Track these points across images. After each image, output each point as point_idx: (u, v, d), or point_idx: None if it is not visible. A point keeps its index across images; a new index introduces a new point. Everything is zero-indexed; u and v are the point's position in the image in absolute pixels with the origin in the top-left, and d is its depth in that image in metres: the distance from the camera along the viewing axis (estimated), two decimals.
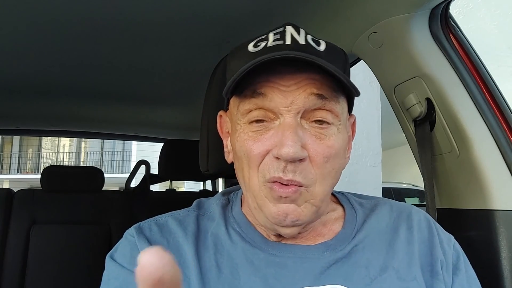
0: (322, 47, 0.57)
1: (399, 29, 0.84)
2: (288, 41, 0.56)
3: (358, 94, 0.55)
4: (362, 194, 0.71)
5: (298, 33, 0.57)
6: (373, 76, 0.99)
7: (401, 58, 0.87)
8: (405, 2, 0.80)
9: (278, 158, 0.53)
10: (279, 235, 0.59)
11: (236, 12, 0.99)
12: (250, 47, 0.58)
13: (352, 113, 0.65)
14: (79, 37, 1.14)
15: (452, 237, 0.65)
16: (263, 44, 0.57)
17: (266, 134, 0.55)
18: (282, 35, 0.57)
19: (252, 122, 0.56)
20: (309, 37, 0.58)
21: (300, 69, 0.53)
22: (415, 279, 0.57)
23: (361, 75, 2.65)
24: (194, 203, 0.67)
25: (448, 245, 0.63)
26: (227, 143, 0.65)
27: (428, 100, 0.86)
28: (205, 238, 0.60)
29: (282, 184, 0.54)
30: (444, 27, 0.86)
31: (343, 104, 0.57)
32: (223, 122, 0.66)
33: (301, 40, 0.56)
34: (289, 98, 0.53)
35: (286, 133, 0.52)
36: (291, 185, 0.53)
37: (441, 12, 0.84)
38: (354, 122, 0.65)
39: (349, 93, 0.57)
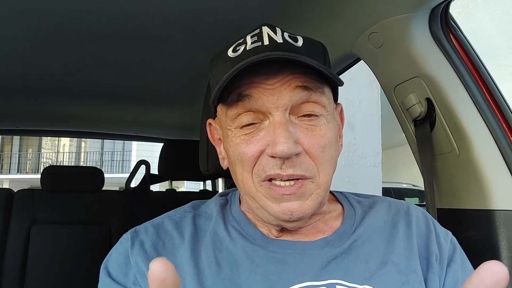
0: (300, 42, 0.58)
1: (399, 29, 0.84)
2: (266, 41, 0.57)
3: (341, 84, 0.56)
4: (361, 193, 0.72)
5: (275, 32, 0.58)
6: (373, 76, 0.99)
7: (401, 58, 0.87)
8: (405, 2, 0.80)
9: (273, 157, 0.53)
10: (279, 231, 0.60)
11: (236, 12, 0.99)
12: (230, 52, 0.58)
13: (340, 103, 0.66)
14: (79, 37, 1.15)
15: (449, 232, 0.66)
16: (242, 47, 0.57)
17: (258, 135, 0.55)
18: (259, 36, 0.57)
19: (243, 126, 0.56)
20: (286, 35, 0.58)
21: (282, 67, 0.54)
22: (414, 272, 0.58)
23: (361, 75, 2.65)
24: (189, 204, 0.67)
25: (445, 239, 0.63)
26: (220, 150, 0.66)
27: (428, 100, 0.86)
28: (203, 236, 0.60)
29: (281, 182, 0.54)
30: (444, 27, 0.86)
31: (328, 95, 0.59)
32: (213, 129, 0.67)
33: (279, 39, 0.57)
34: (275, 95, 0.54)
35: (278, 131, 0.53)
36: (294, 179, 0.54)
37: (441, 12, 0.84)
38: (341, 110, 0.66)
39: (333, 83, 0.59)
